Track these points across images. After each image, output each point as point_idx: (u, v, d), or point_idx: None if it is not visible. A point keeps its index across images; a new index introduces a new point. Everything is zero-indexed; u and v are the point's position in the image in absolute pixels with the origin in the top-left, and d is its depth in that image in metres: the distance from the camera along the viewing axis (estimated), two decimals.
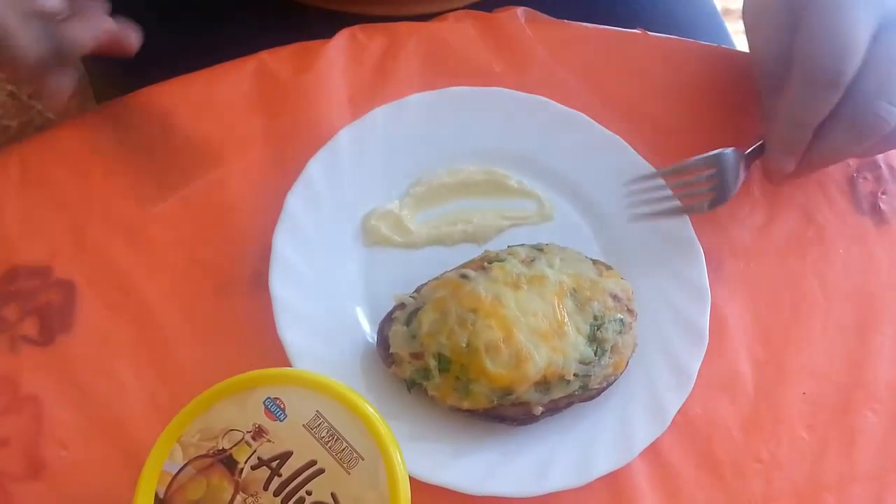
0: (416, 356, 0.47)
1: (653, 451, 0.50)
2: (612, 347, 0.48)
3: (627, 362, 0.49)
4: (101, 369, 0.50)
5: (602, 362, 0.47)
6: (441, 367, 0.47)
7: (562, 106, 0.57)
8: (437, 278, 0.50)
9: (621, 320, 0.49)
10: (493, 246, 0.54)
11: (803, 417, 0.53)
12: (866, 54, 0.49)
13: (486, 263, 0.49)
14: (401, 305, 0.49)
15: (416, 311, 0.48)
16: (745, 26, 0.58)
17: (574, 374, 0.47)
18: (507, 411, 0.47)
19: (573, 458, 0.48)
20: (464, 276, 0.48)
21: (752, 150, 0.55)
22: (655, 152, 0.57)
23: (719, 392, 0.53)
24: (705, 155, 0.54)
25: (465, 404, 0.47)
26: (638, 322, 0.50)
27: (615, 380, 0.49)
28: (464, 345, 0.46)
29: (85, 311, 0.51)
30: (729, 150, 0.54)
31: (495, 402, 0.47)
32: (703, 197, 0.54)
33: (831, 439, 0.53)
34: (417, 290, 0.50)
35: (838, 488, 0.51)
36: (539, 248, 0.51)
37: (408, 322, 0.48)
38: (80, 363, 0.50)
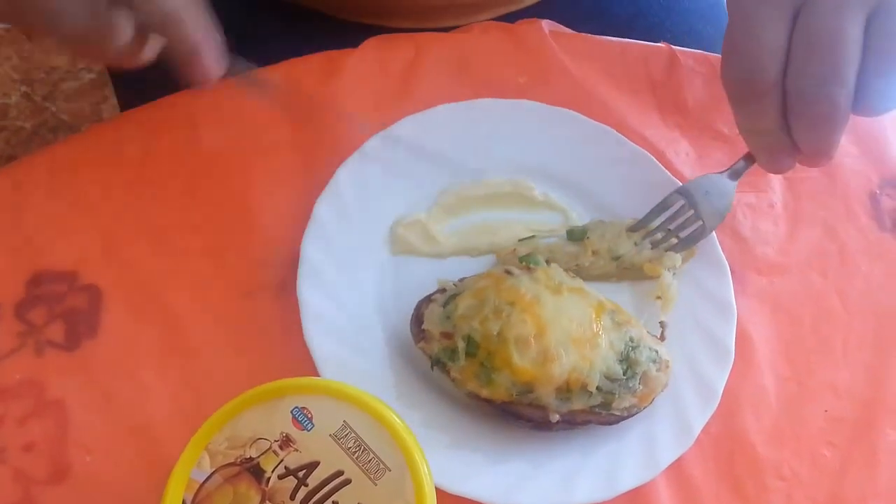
0: (447, 335, 0.48)
1: (675, 466, 0.49)
2: (642, 375, 0.48)
3: (654, 400, 0.49)
4: (126, 375, 0.50)
5: (629, 385, 0.47)
6: (468, 350, 0.47)
7: (589, 119, 0.57)
8: (482, 272, 0.50)
9: (657, 353, 0.49)
10: None
11: (825, 434, 0.53)
12: (788, 42, 0.46)
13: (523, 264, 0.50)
14: (442, 290, 0.50)
15: (455, 296, 0.48)
16: None
17: (598, 388, 0.47)
18: (523, 410, 0.48)
19: (599, 473, 0.48)
20: (508, 272, 0.48)
21: (733, 168, 0.54)
22: (681, 166, 0.58)
23: (743, 408, 0.53)
24: (667, 195, 0.54)
25: (485, 392, 0.47)
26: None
27: (638, 412, 0.49)
28: (495, 333, 0.46)
29: (111, 317, 0.51)
30: (693, 182, 0.54)
31: (514, 397, 0.47)
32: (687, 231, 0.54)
33: (853, 457, 0.52)
34: (460, 280, 0.50)
35: None
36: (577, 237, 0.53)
37: (445, 304, 0.49)
38: (106, 369, 0.50)
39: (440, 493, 0.39)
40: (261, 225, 0.54)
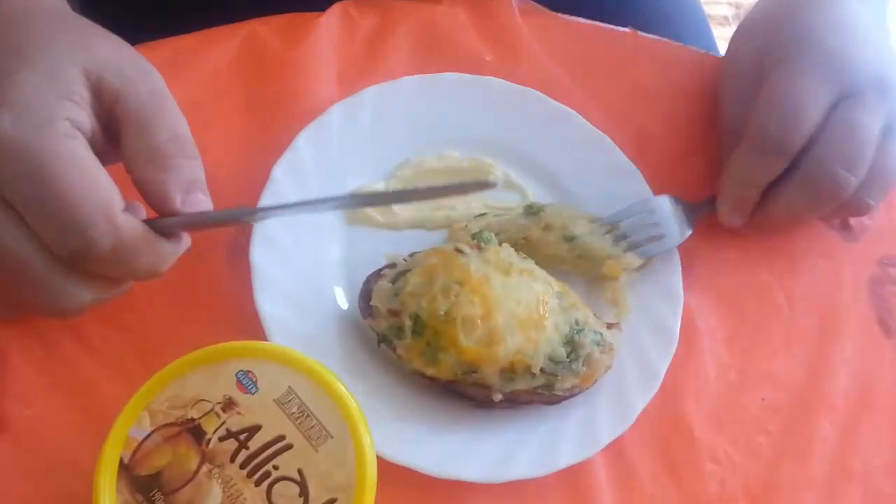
0: (394, 313, 0.48)
1: (614, 447, 0.50)
2: (586, 357, 0.48)
3: (596, 381, 0.50)
4: (70, 329, 0.49)
5: (572, 367, 0.48)
6: (415, 329, 0.47)
7: (553, 101, 0.57)
8: (432, 248, 0.50)
9: (602, 335, 0.49)
10: None
11: (761, 423, 0.54)
12: (823, 122, 0.51)
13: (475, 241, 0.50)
14: (391, 265, 0.50)
15: (405, 272, 0.48)
16: (721, 74, 0.59)
17: (541, 370, 0.47)
18: (467, 389, 0.48)
19: (538, 449, 0.49)
20: (459, 251, 0.48)
21: (702, 203, 0.56)
22: (640, 153, 0.58)
23: (683, 393, 0.54)
24: (641, 200, 0.56)
25: (430, 371, 0.47)
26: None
27: (580, 392, 0.49)
28: (442, 313, 0.46)
29: None
30: (664, 198, 0.56)
31: (458, 376, 0.47)
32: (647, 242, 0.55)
33: (787, 445, 0.54)
34: (411, 255, 0.50)
35: (791, 494, 0.52)
36: (534, 212, 0.53)
37: (394, 280, 0.49)
38: (48, 322, 0.49)
39: (381, 462, 0.40)
40: (216, 186, 0.53)
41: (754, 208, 0.54)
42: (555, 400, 0.49)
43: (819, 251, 0.60)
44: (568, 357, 0.48)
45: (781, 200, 0.53)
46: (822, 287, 0.59)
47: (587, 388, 0.50)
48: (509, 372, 0.47)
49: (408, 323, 0.47)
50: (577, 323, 0.49)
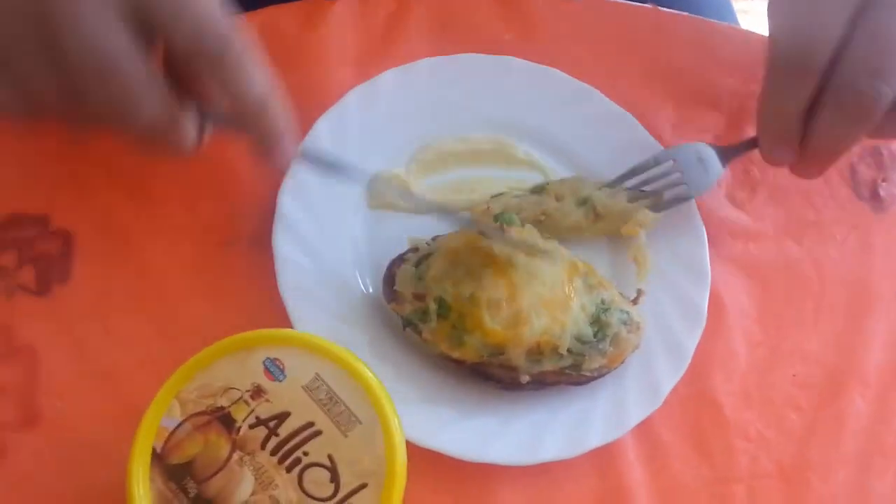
0: (419, 297, 0.48)
1: (643, 426, 0.50)
2: (613, 336, 0.48)
3: (624, 360, 0.49)
4: (97, 322, 0.49)
5: (600, 347, 0.48)
6: (440, 312, 0.47)
7: (573, 79, 0.57)
8: (455, 231, 0.50)
9: (629, 314, 0.49)
10: None
11: (792, 399, 0.54)
12: (848, 34, 0.47)
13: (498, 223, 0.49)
14: (414, 249, 0.50)
15: (428, 255, 0.48)
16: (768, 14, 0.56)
17: (568, 350, 0.47)
18: (494, 371, 0.48)
19: (567, 431, 0.48)
20: (481, 233, 0.48)
21: (730, 147, 0.54)
22: (662, 129, 0.57)
23: (712, 371, 0.53)
24: (663, 150, 0.55)
25: (456, 354, 0.47)
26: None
27: (608, 372, 0.49)
28: (467, 295, 0.46)
29: (83, 263, 0.50)
30: (691, 145, 0.54)
31: (485, 359, 0.47)
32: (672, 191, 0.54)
33: (819, 421, 0.53)
34: (434, 239, 0.50)
35: (824, 470, 0.52)
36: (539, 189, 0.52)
37: (418, 264, 0.48)
38: (77, 315, 0.49)
39: (410, 446, 0.40)
40: (237, 174, 0.53)
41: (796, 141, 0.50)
42: (582, 380, 0.49)
43: (848, 222, 0.59)
44: (595, 337, 0.47)
45: (817, 126, 0.49)
46: (851, 259, 0.58)
47: (615, 368, 0.49)
48: (536, 353, 0.47)
49: (432, 306, 0.47)
50: (603, 302, 0.48)
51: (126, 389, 0.48)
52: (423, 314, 0.48)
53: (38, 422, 0.47)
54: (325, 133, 0.53)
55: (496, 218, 0.51)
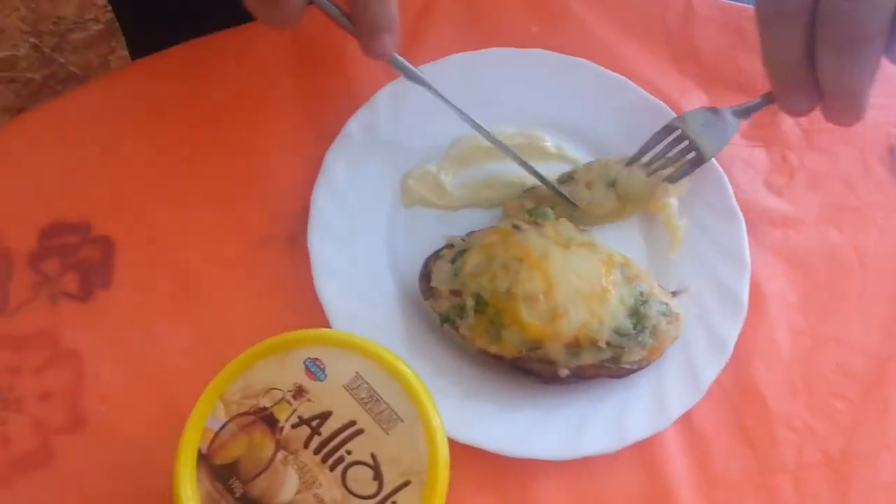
0: (455, 293, 0.48)
1: (685, 419, 0.50)
2: (652, 328, 0.47)
3: (664, 352, 0.49)
4: (140, 325, 0.50)
5: (639, 339, 0.47)
6: (477, 307, 0.47)
7: (603, 69, 0.56)
8: (490, 227, 0.50)
9: (668, 306, 0.48)
10: None
11: (837, 388, 0.53)
12: None
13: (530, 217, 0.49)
14: (449, 245, 0.50)
15: (463, 251, 0.48)
16: None
17: (607, 343, 0.47)
18: (532, 365, 0.48)
19: (608, 424, 0.48)
20: (516, 227, 0.48)
21: (744, 105, 0.53)
22: None
23: (754, 361, 0.52)
24: (664, 126, 0.54)
25: (494, 349, 0.47)
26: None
27: (647, 364, 0.49)
28: (503, 290, 0.46)
29: (124, 268, 0.51)
30: (688, 114, 0.53)
31: (523, 353, 0.47)
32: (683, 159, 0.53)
33: (865, 410, 0.52)
34: (469, 235, 0.50)
35: (871, 458, 0.51)
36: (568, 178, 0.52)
37: (453, 260, 0.48)
38: (120, 319, 0.50)
39: (451, 443, 0.40)
40: (271, 176, 0.54)
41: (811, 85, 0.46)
42: (622, 373, 0.48)
43: (888, 206, 0.58)
44: (634, 329, 0.47)
45: (822, 65, 0.45)
46: (894, 244, 0.57)
47: (655, 360, 0.49)
48: (574, 346, 0.47)
49: (469, 302, 0.47)
50: (641, 294, 0.48)
51: (170, 391, 0.48)
52: (461, 310, 0.48)
53: (84, 425, 0.48)
54: (356, 132, 0.53)
55: (530, 213, 0.50)
